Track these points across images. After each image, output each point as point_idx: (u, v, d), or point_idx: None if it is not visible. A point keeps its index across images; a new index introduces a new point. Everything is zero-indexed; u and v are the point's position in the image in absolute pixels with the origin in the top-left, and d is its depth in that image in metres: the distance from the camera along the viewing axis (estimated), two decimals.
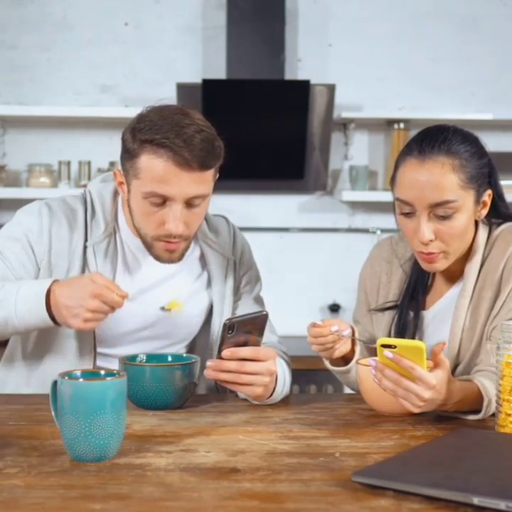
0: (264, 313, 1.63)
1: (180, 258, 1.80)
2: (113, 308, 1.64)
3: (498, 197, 1.77)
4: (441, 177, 1.65)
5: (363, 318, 1.93)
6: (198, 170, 1.69)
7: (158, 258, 1.79)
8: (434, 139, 1.68)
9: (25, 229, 1.81)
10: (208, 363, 1.60)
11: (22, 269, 1.79)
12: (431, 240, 1.68)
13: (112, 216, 1.85)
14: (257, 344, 1.62)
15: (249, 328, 1.60)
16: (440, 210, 1.66)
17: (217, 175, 1.79)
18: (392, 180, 1.74)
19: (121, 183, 1.79)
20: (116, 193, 1.88)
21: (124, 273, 1.85)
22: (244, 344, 1.60)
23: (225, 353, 1.58)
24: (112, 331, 1.82)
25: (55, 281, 1.68)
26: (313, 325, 1.69)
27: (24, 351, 1.86)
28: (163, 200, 1.70)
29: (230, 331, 1.56)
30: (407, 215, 1.70)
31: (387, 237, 1.96)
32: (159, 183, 1.68)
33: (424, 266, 1.74)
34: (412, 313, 1.84)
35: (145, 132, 1.68)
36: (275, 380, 1.68)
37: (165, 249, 1.76)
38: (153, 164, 1.68)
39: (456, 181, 1.66)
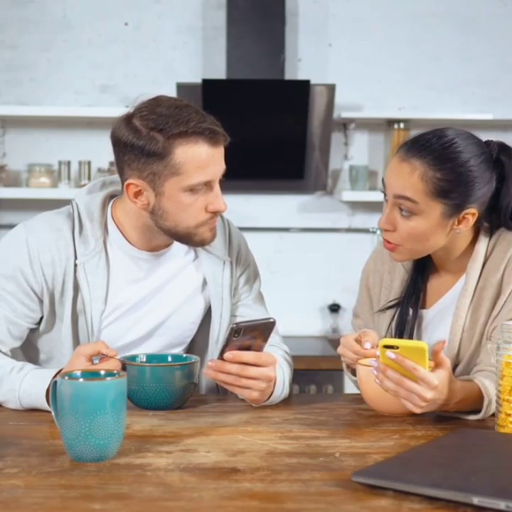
0: (272, 320, 1.62)
1: (216, 232, 1.81)
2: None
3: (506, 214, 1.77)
4: (408, 177, 1.68)
5: (365, 314, 1.93)
6: (223, 143, 1.72)
7: (203, 242, 1.78)
8: (421, 144, 1.69)
9: (15, 265, 1.76)
10: (209, 363, 1.60)
11: (22, 306, 1.77)
12: (387, 230, 1.72)
13: (102, 230, 1.80)
14: (260, 349, 1.62)
15: (255, 334, 1.59)
16: (403, 204, 1.69)
17: None
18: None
19: (137, 194, 1.72)
20: (104, 204, 1.83)
21: (118, 287, 1.82)
22: (248, 348, 1.60)
23: (228, 355, 1.57)
24: (111, 345, 1.80)
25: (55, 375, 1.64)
26: (358, 341, 1.70)
27: (31, 362, 1.85)
28: (206, 185, 1.71)
29: (236, 335, 1.56)
30: (385, 201, 1.75)
31: None
32: (203, 169, 1.68)
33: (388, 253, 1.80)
34: (411, 311, 1.84)
35: (169, 128, 1.65)
36: (274, 384, 1.68)
37: (209, 229, 1.76)
38: (193, 153, 1.67)
39: (421, 187, 1.67)
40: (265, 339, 1.62)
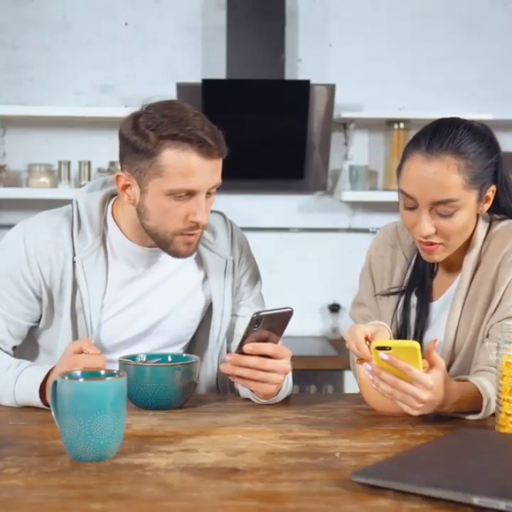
0: (290, 310, 1.60)
1: (195, 249, 1.80)
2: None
3: (502, 190, 1.77)
4: (445, 177, 1.65)
5: (370, 301, 1.92)
6: (218, 158, 1.71)
7: (176, 253, 1.77)
8: (444, 136, 1.68)
9: (13, 263, 1.78)
10: (227, 358, 1.59)
11: (20, 305, 1.78)
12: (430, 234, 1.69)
13: (101, 227, 1.81)
14: (277, 342, 1.62)
15: (273, 325, 1.59)
16: (442, 208, 1.67)
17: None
18: (398, 170, 1.74)
19: (125, 187, 1.75)
20: (104, 202, 1.85)
21: (117, 283, 1.82)
22: (266, 340, 1.59)
23: (247, 347, 1.57)
24: (110, 342, 1.83)
25: (49, 371, 1.65)
26: (367, 340, 1.63)
27: (33, 357, 1.86)
28: (189, 194, 1.70)
29: (256, 325, 1.55)
30: (409, 208, 1.71)
31: (393, 222, 1.96)
32: (187, 177, 1.68)
33: (424, 256, 1.76)
34: (414, 300, 1.84)
35: (163, 129, 1.67)
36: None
37: (185, 242, 1.75)
38: (179, 159, 1.67)
39: (460, 182, 1.66)
40: (281, 331, 1.62)
